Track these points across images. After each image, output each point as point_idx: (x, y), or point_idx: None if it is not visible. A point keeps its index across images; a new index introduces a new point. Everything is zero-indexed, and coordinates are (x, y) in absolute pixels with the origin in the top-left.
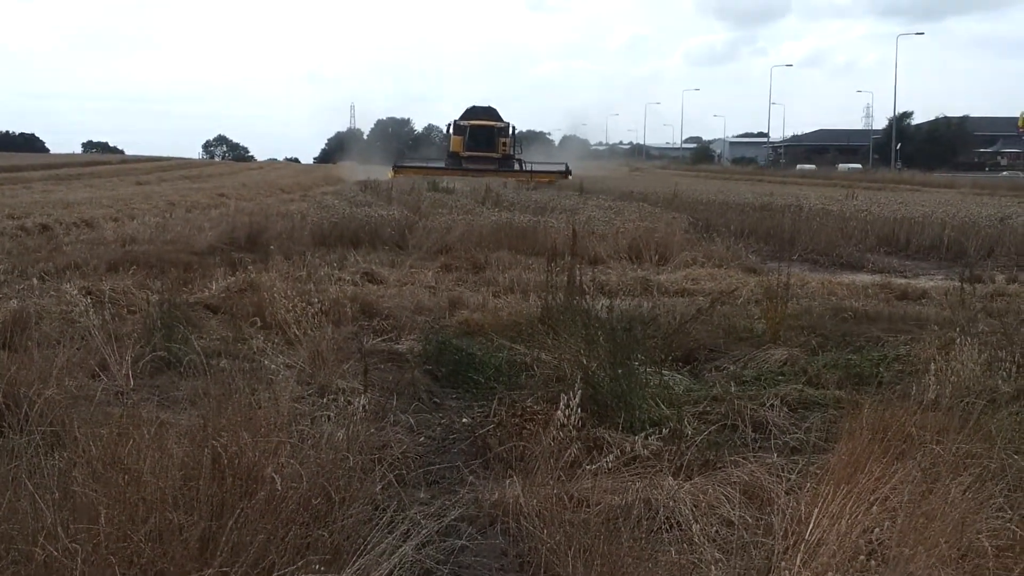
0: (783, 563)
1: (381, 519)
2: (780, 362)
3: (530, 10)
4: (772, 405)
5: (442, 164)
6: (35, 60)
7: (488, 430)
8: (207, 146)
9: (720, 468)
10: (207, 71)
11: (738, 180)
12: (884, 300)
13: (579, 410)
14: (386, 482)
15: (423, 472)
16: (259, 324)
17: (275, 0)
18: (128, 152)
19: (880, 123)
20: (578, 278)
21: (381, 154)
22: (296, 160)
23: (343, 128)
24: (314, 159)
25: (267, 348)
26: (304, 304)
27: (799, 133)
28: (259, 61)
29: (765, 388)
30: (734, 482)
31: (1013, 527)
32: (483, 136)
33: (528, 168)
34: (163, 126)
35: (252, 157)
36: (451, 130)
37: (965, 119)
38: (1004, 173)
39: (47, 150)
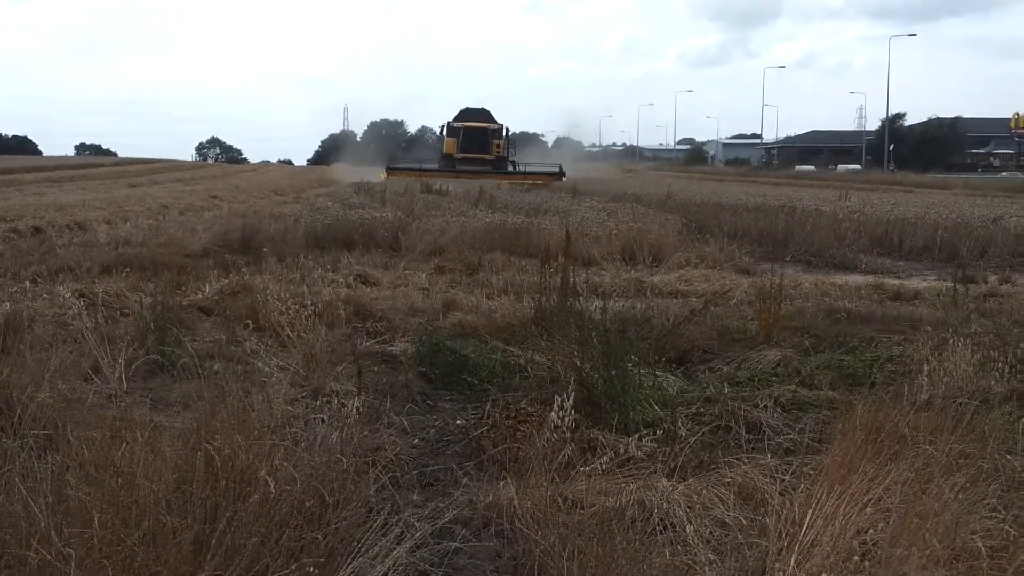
0: (777, 564)
1: (375, 522)
2: (773, 363)
3: (524, 12)
4: (766, 406)
5: (435, 166)
6: (28, 62)
7: (482, 432)
8: (200, 148)
9: (714, 469)
10: (200, 73)
11: (731, 181)
12: (877, 301)
13: (573, 412)
14: (380, 484)
15: (417, 474)
16: (252, 326)
17: (269, 2)
18: (121, 154)
19: (873, 124)
20: (572, 280)
21: (375, 156)
22: (290, 162)
23: (337, 130)
24: (308, 161)
25: (260, 350)
26: (297, 306)
27: (792, 134)
28: (253, 63)
29: (759, 389)
30: (728, 483)
31: (1006, 527)
32: (477, 138)
33: (522, 170)
34: (156, 128)
35: (245, 159)
36: (444, 132)
37: (957, 120)
38: (1003, 174)
39: (40, 152)
